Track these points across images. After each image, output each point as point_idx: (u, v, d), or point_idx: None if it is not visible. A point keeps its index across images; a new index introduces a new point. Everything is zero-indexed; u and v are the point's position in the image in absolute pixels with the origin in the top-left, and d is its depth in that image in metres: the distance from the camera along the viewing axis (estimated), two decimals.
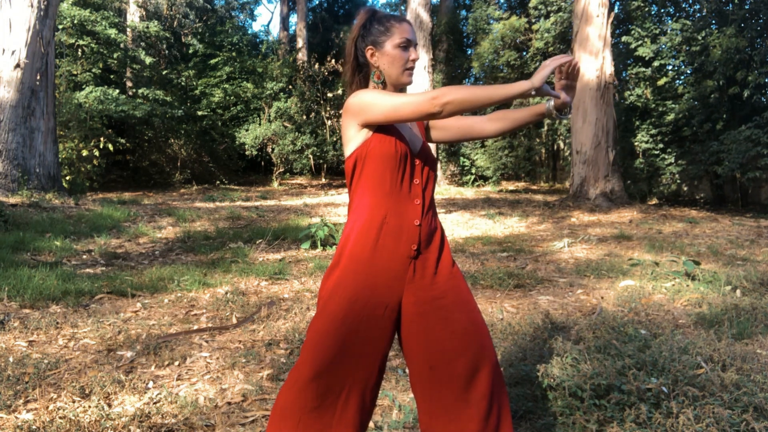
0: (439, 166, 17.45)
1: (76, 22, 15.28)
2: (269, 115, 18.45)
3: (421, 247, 1.63)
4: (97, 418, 2.31)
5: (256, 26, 68.89)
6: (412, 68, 1.70)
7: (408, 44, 1.68)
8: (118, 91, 15.02)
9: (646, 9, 14.56)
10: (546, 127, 17.65)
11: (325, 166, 19.72)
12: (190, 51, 20.52)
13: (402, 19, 1.73)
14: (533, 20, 16.68)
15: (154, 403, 2.52)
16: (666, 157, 13.57)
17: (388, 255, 1.60)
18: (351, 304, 1.58)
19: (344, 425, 1.61)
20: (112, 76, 17.55)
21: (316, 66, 18.96)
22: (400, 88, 1.73)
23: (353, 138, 1.64)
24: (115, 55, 16.65)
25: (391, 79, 1.70)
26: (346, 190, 16.20)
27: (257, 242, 6.91)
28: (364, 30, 1.70)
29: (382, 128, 1.64)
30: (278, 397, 1.64)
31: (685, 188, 14.87)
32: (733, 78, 11.61)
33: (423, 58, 13.47)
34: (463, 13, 22.40)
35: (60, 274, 4.70)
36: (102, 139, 12.88)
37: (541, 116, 1.66)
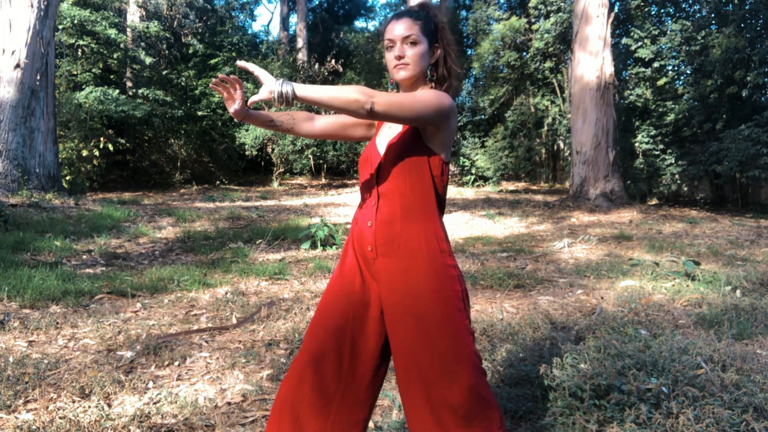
0: None
1: (76, 22, 15.28)
2: None
3: (378, 249, 1.61)
4: (97, 418, 2.31)
5: (256, 26, 68.94)
6: (397, 66, 1.66)
7: (391, 44, 1.66)
8: (118, 91, 15.02)
9: (646, 9, 14.56)
10: (546, 128, 17.64)
11: (325, 166, 19.72)
12: (190, 51, 20.51)
13: (391, 19, 1.71)
14: (533, 20, 16.67)
15: (154, 403, 2.52)
16: (666, 157, 13.57)
17: (359, 256, 1.68)
18: (339, 299, 1.66)
19: (341, 422, 1.62)
20: (112, 76, 17.55)
21: (316, 66, 18.95)
22: (403, 85, 1.74)
23: None
24: (115, 55, 16.64)
25: (394, 79, 1.74)
26: (346, 190, 16.22)
27: (257, 242, 6.90)
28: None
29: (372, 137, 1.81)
30: (279, 389, 1.67)
31: (685, 188, 14.87)
32: (732, 78, 11.62)
33: None
34: (463, 13, 22.40)
35: (60, 274, 4.70)
36: (102, 139, 12.87)
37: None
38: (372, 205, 1.65)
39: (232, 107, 1.64)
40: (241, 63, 1.51)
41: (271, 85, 1.44)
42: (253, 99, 1.48)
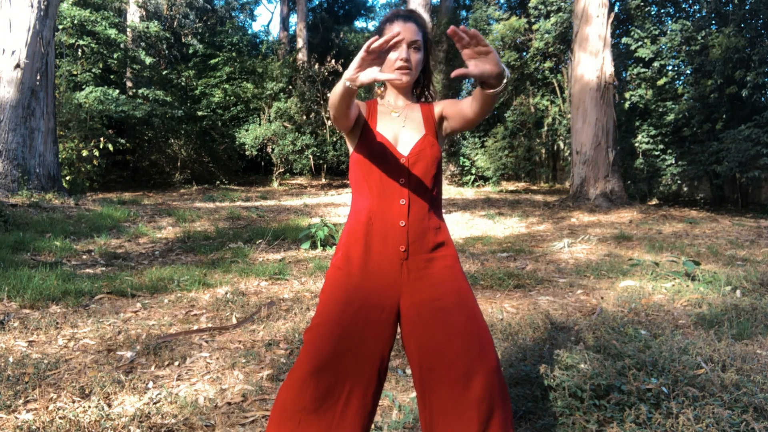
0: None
1: (76, 22, 15.29)
2: (269, 116, 18.46)
3: (410, 248, 1.61)
4: (97, 418, 2.31)
5: (256, 26, 68.98)
6: (401, 68, 1.65)
7: (396, 44, 1.66)
8: (118, 91, 15.03)
9: (646, 9, 14.56)
10: (546, 128, 17.65)
11: (325, 166, 19.73)
12: (190, 51, 20.52)
13: (395, 17, 1.69)
14: (533, 20, 16.68)
15: (154, 403, 2.52)
16: (666, 157, 13.58)
17: (378, 257, 1.62)
18: (345, 305, 1.60)
19: (344, 428, 1.60)
20: (112, 76, 17.56)
21: (316, 66, 18.96)
22: (398, 88, 1.73)
23: (350, 142, 1.73)
24: (115, 55, 16.65)
25: (388, 80, 1.71)
26: (346, 190, 16.22)
27: (257, 242, 6.90)
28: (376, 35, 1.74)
29: (364, 132, 1.68)
30: (278, 396, 1.64)
31: (685, 188, 14.88)
32: (732, 78, 11.62)
33: None
34: (463, 13, 22.40)
35: (60, 274, 4.70)
36: (102, 139, 12.88)
37: (482, 95, 1.45)
38: (402, 204, 1.61)
39: (371, 71, 1.39)
40: (455, 29, 1.28)
41: (499, 63, 1.33)
42: (471, 72, 1.32)
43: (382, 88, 1.79)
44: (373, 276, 1.62)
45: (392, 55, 1.66)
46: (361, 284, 1.61)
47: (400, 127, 1.69)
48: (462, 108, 1.61)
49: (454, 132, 1.71)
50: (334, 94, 1.48)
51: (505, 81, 1.36)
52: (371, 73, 1.38)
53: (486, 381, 1.55)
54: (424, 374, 1.59)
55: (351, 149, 1.72)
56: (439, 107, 1.71)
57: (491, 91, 1.39)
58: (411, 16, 1.69)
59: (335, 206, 11.54)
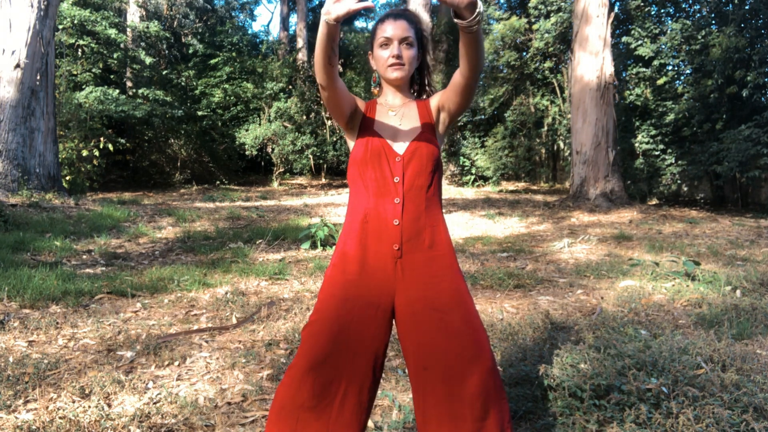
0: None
1: (76, 22, 15.29)
2: (269, 116, 18.46)
3: (404, 246, 1.61)
4: (97, 418, 2.31)
5: (256, 26, 69.02)
6: (393, 65, 1.67)
7: (387, 42, 1.67)
8: (118, 91, 15.03)
9: (646, 9, 14.56)
10: (546, 128, 17.65)
11: (325, 166, 19.73)
12: (190, 51, 20.53)
13: (386, 17, 1.71)
14: (533, 20, 16.68)
15: (154, 403, 2.52)
16: (666, 157, 13.57)
17: (373, 255, 1.63)
18: (342, 302, 1.62)
19: (342, 425, 1.61)
20: (112, 76, 17.56)
21: None
22: (393, 85, 1.74)
23: (349, 140, 1.76)
24: (115, 55, 16.65)
25: (384, 78, 1.74)
26: (346, 190, 16.21)
27: (257, 242, 6.90)
28: (370, 37, 1.77)
29: (362, 130, 1.71)
30: (276, 394, 1.65)
31: (685, 188, 14.87)
32: (732, 77, 11.62)
33: None
34: None
35: (60, 274, 4.70)
36: (102, 139, 12.86)
37: (464, 31, 1.42)
38: (396, 202, 1.62)
39: (346, 2, 1.39)
40: None
41: None
42: None
43: (378, 88, 1.80)
44: (368, 274, 1.62)
45: (384, 53, 1.68)
46: (357, 282, 1.62)
47: (397, 125, 1.71)
48: (453, 81, 1.61)
49: (454, 116, 1.70)
50: (317, 44, 1.49)
51: (477, 11, 1.35)
52: (345, 4, 1.39)
53: (481, 380, 1.55)
54: (419, 373, 1.60)
55: (351, 146, 1.74)
56: (435, 100, 1.73)
57: (463, 22, 1.38)
58: (402, 15, 1.71)
59: (335, 206, 11.54)
